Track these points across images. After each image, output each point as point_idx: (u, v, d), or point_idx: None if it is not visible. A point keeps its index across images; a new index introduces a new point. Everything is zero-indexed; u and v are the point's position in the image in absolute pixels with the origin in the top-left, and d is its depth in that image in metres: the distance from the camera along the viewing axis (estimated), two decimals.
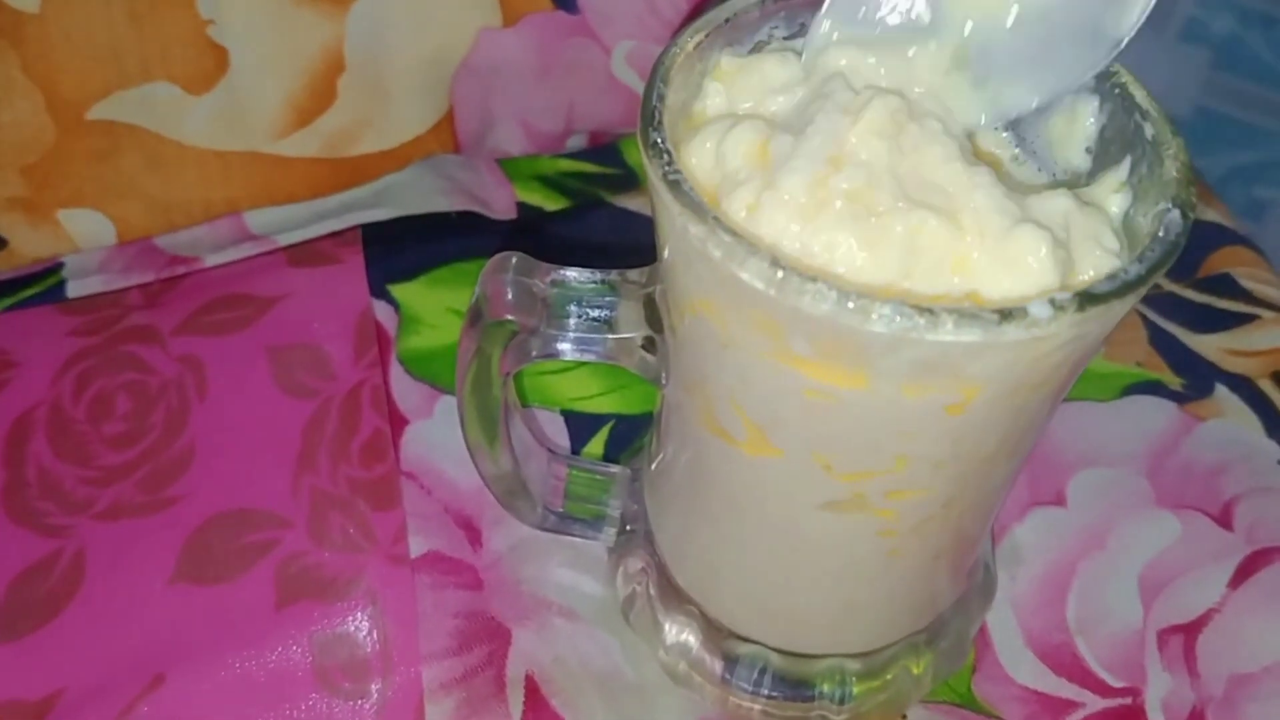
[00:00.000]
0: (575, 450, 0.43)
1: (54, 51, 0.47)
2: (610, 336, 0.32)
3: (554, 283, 0.32)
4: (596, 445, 0.43)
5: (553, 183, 0.53)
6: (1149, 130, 0.28)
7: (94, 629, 0.38)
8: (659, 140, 0.27)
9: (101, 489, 0.41)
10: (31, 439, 0.42)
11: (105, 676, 0.36)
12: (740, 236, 0.25)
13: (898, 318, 0.24)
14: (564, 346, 0.32)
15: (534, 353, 0.32)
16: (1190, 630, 0.39)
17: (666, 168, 0.27)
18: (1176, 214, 0.26)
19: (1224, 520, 0.42)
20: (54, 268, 0.49)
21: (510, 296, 0.31)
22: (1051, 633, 0.39)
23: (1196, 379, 0.46)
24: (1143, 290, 0.26)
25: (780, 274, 0.24)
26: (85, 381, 0.44)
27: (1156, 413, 0.45)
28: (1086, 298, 0.25)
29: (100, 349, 0.45)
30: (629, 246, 0.51)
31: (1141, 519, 0.42)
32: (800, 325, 0.25)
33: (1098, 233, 0.27)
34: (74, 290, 0.48)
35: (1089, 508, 0.42)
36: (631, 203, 0.52)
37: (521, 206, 0.52)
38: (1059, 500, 0.42)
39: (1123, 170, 0.28)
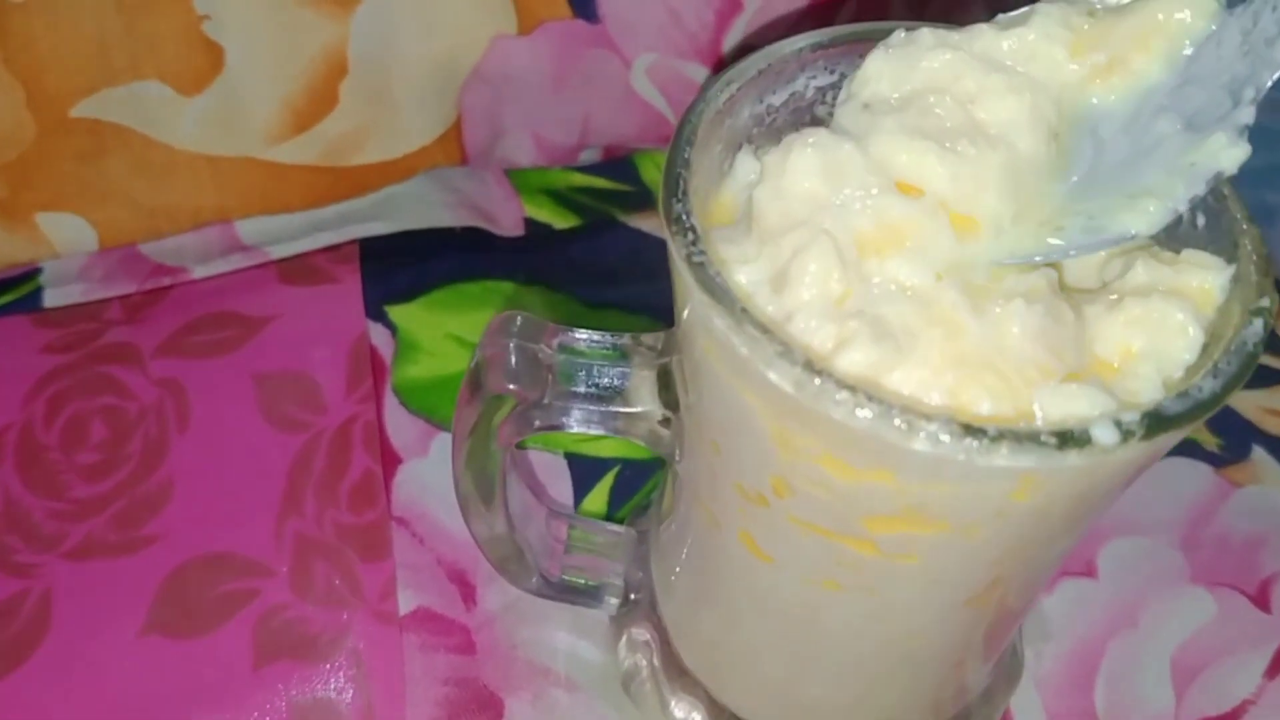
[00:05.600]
0: (578, 497, 0.41)
1: (38, 44, 0.44)
2: (621, 410, 0.29)
3: (562, 347, 0.29)
4: (601, 493, 0.41)
5: (563, 198, 0.50)
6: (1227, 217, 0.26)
7: (60, 684, 0.35)
8: (684, 214, 0.25)
9: (72, 524, 0.38)
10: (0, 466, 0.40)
11: None
12: (771, 333, 0.23)
13: (946, 438, 0.21)
14: (569, 420, 0.29)
15: (537, 423, 0.29)
16: None
17: (691, 247, 0.24)
18: (1259, 324, 0.24)
19: (1261, 600, 0.39)
20: (31, 273, 0.47)
21: (513, 363, 0.29)
22: (1078, 719, 0.36)
23: (1233, 440, 0.44)
24: (1216, 408, 0.23)
25: (817, 380, 0.22)
26: (59, 404, 0.41)
27: (1192, 476, 0.43)
28: (1155, 421, 0.22)
29: (76, 368, 0.42)
30: (642, 270, 0.48)
31: (1175, 596, 0.39)
32: (831, 432, 0.23)
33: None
34: (51, 299, 0.45)
35: (1120, 580, 0.40)
36: (646, 223, 0.49)
37: (529, 223, 0.49)
38: (1089, 571, 0.40)
39: (1223, 273, 0.25)
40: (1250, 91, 0.24)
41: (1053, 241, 0.25)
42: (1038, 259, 0.25)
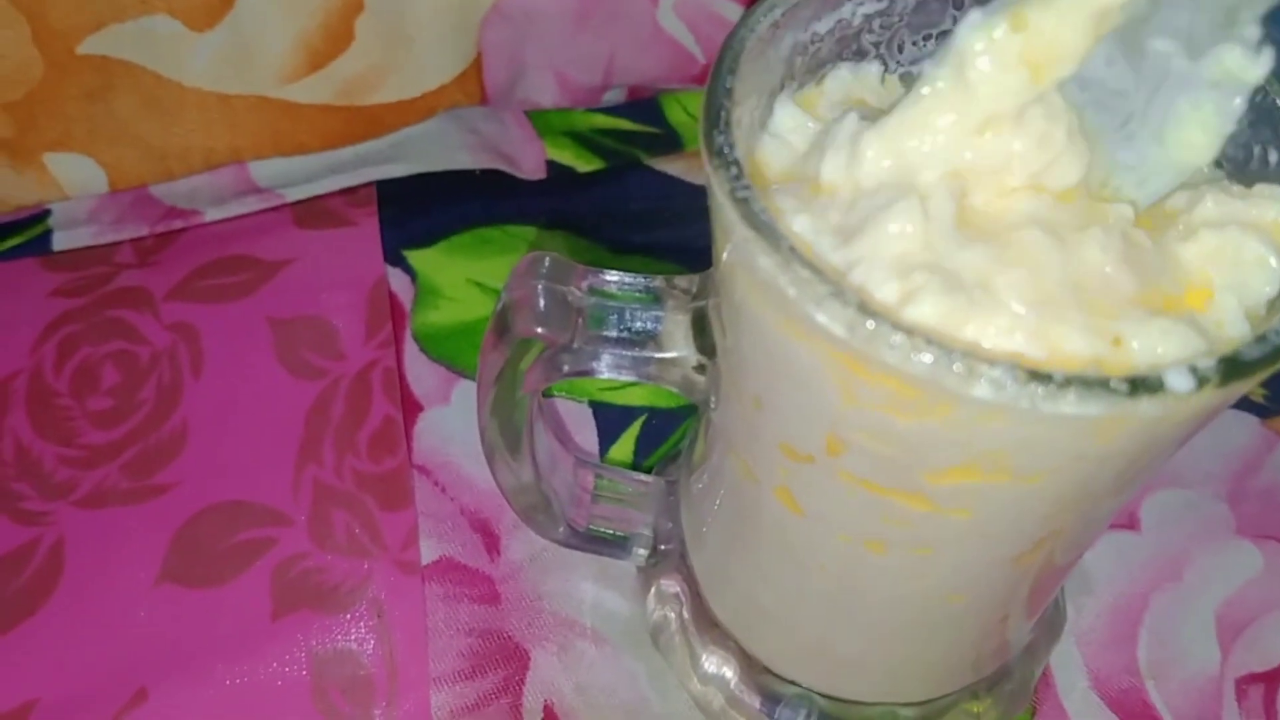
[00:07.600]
0: (604, 446, 0.40)
1: None
2: (654, 355, 0.28)
3: (592, 289, 0.28)
4: (627, 442, 0.40)
5: (586, 140, 0.48)
6: None
7: (72, 633, 0.34)
8: (726, 147, 0.23)
9: (84, 471, 0.37)
10: (9, 412, 0.39)
11: (83, 688, 0.33)
12: (821, 272, 0.21)
13: (1010, 384, 0.20)
14: (599, 365, 0.28)
15: (566, 368, 0.28)
16: (1271, 680, 0.35)
17: (734, 182, 0.22)
18: None
19: None
20: (39, 216, 0.45)
21: (542, 306, 0.27)
22: (1120, 675, 0.35)
23: None
24: None
25: (871, 323, 0.20)
26: (69, 349, 0.40)
27: (1237, 428, 0.41)
28: (1232, 367, 0.21)
29: (87, 312, 0.41)
30: (668, 214, 0.46)
31: (1220, 549, 0.38)
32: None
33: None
34: (60, 242, 0.44)
35: (1163, 534, 0.38)
36: (672, 166, 0.48)
37: (551, 166, 0.47)
38: (1132, 524, 0.39)
39: None
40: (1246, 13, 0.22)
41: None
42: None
